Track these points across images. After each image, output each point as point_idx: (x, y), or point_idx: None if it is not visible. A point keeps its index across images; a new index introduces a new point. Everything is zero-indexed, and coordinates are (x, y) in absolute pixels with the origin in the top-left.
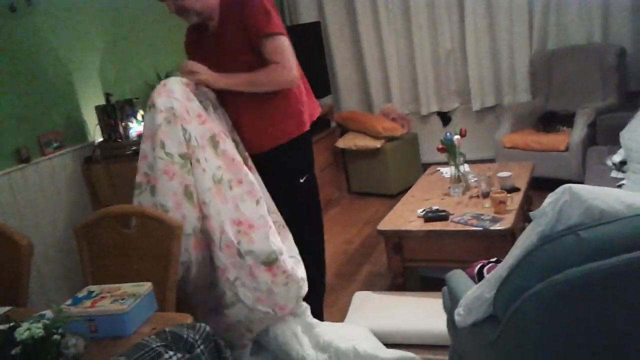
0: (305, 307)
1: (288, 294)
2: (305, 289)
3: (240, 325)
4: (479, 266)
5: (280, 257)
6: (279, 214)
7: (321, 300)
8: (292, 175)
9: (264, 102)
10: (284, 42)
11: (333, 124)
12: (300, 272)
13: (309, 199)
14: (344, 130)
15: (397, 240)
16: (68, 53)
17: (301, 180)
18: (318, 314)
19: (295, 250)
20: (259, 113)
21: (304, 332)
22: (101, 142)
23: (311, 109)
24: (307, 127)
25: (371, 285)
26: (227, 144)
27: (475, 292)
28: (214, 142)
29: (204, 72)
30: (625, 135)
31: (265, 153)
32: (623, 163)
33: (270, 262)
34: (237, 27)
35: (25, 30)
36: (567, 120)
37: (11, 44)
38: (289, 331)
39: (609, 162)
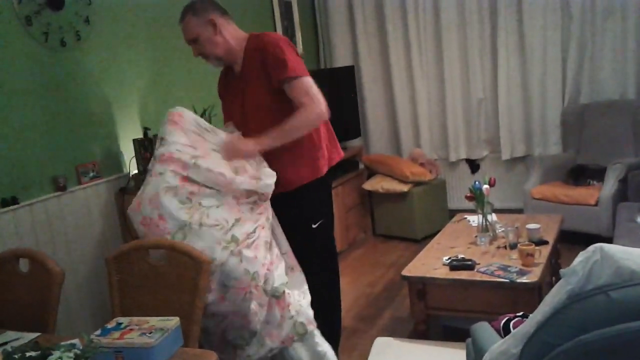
0: (312, 331)
1: (294, 325)
2: (310, 312)
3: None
4: (505, 320)
5: (286, 290)
6: (289, 254)
7: (336, 346)
8: (305, 220)
9: (279, 147)
10: (305, 82)
11: (361, 166)
12: (305, 301)
13: (322, 244)
14: (371, 173)
15: (421, 287)
16: (111, 87)
17: (314, 226)
18: None
19: (303, 286)
20: (274, 156)
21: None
22: (136, 174)
23: (331, 153)
24: (323, 173)
25: (393, 330)
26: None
27: (501, 347)
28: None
29: (244, 146)
30: None
31: (278, 196)
32: None
33: (279, 295)
34: (258, 71)
35: (73, 64)
36: (598, 174)
37: (58, 76)
38: (296, 357)
39: (639, 219)
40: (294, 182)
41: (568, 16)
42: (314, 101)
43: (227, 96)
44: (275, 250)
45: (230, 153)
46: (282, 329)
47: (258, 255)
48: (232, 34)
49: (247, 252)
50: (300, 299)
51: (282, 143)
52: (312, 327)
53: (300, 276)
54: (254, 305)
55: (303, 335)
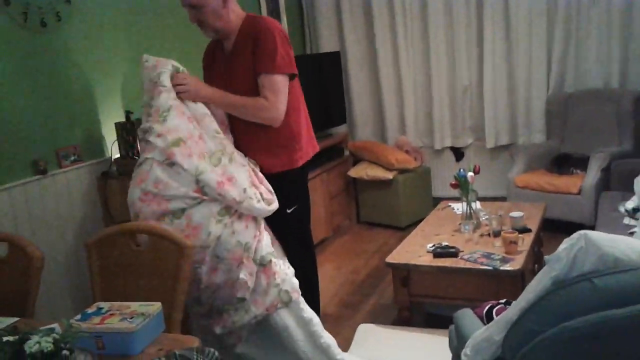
0: (297, 299)
1: (279, 293)
2: (295, 281)
3: (234, 327)
4: (488, 307)
5: (273, 259)
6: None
7: None
8: (279, 204)
9: (258, 131)
10: (280, 82)
11: (346, 153)
12: (290, 270)
13: (297, 229)
14: (356, 160)
15: (405, 274)
16: (92, 70)
17: (288, 211)
18: None
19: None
20: (251, 141)
21: (298, 325)
22: (118, 158)
23: (307, 147)
24: (298, 165)
25: (376, 317)
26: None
27: (484, 333)
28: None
29: (189, 83)
30: (639, 182)
31: None
32: (636, 210)
33: (266, 263)
34: (248, 53)
35: (53, 45)
36: (581, 163)
37: (38, 57)
38: (280, 323)
39: (622, 209)
40: (268, 168)
41: (554, 5)
42: (275, 105)
43: (211, 69)
44: (262, 221)
45: (177, 81)
46: (267, 296)
47: (249, 225)
48: (234, 10)
49: (238, 224)
50: (285, 269)
51: (221, 107)
52: (297, 296)
53: (280, 249)
54: (243, 275)
55: (288, 303)
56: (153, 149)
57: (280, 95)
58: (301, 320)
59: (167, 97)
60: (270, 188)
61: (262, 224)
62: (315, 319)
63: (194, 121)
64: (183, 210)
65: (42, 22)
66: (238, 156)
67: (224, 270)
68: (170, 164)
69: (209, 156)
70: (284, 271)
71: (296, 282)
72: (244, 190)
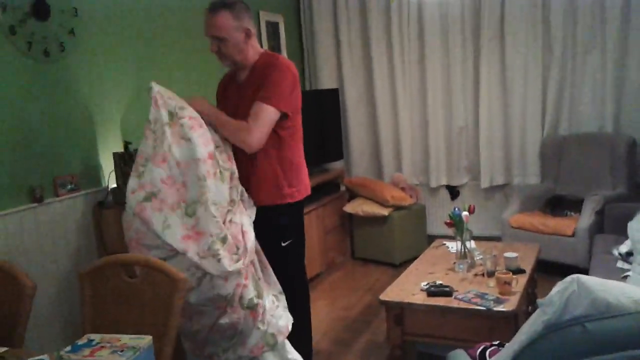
0: (282, 342)
1: (265, 336)
2: (281, 324)
3: None
4: (481, 348)
5: (260, 301)
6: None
7: None
8: (274, 237)
9: (261, 164)
10: (267, 112)
11: (342, 188)
12: (282, 304)
13: (292, 262)
14: (352, 195)
15: (398, 312)
16: (93, 99)
17: (283, 244)
18: None
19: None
20: (242, 173)
21: None
22: (114, 188)
23: (306, 183)
24: (285, 202)
25: (368, 355)
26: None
27: None
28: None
29: (199, 105)
30: (633, 227)
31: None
32: (629, 254)
33: (252, 307)
34: (258, 85)
35: (56, 74)
36: (575, 205)
37: (40, 87)
38: None
39: (615, 252)
40: (265, 201)
41: (549, 50)
42: (253, 130)
43: (224, 99)
44: (247, 269)
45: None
46: (251, 338)
47: (229, 278)
48: (253, 46)
49: (217, 278)
50: (274, 307)
51: (212, 121)
52: (282, 338)
53: (272, 274)
54: (227, 320)
55: (273, 346)
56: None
57: (261, 123)
58: None
59: (152, 142)
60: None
61: (247, 272)
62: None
63: (180, 165)
64: (164, 259)
65: (46, 51)
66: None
67: (209, 315)
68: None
69: (186, 205)
70: (272, 312)
71: (283, 323)
72: (209, 247)
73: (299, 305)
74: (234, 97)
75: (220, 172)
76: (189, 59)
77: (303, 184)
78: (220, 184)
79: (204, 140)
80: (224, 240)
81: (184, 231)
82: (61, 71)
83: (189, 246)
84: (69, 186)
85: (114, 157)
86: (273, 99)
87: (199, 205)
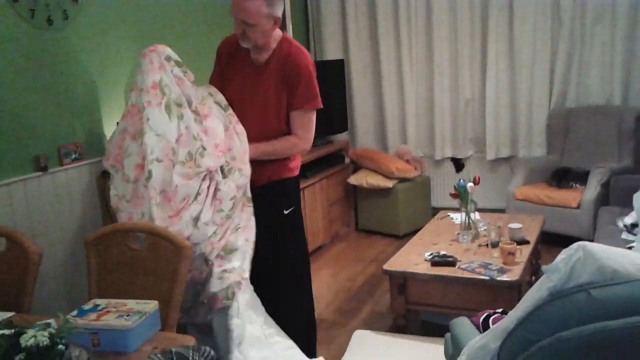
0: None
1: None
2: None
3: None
4: (484, 316)
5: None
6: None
7: (313, 335)
8: (278, 206)
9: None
10: (312, 118)
11: (347, 160)
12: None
13: (294, 229)
14: (357, 167)
15: (401, 282)
16: (96, 68)
17: (286, 212)
18: (310, 351)
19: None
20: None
21: None
22: None
23: (298, 161)
24: (294, 174)
25: (372, 324)
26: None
27: (479, 342)
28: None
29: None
30: (638, 198)
31: (254, 187)
32: (634, 226)
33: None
34: (281, 80)
35: (59, 43)
36: (581, 177)
37: (43, 55)
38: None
39: (620, 224)
40: (265, 177)
41: (558, 21)
42: (307, 138)
43: (230, 66)
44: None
45: None
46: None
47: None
48: (276, 32)
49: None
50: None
51: (264, 158)
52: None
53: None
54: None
55: (230, 301)
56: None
57: (311, 129)
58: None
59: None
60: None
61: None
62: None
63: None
64: None
65: (49, 19)
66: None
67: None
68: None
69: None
70: (236, 269)
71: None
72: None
73: (301, 273)
74: (247, 74)
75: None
76: (193, 26)
77: (299, 158)
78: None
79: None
80: None
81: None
82: (64, 39)
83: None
84: (74, 155)
85: (118, 126)
86: (312, 105)
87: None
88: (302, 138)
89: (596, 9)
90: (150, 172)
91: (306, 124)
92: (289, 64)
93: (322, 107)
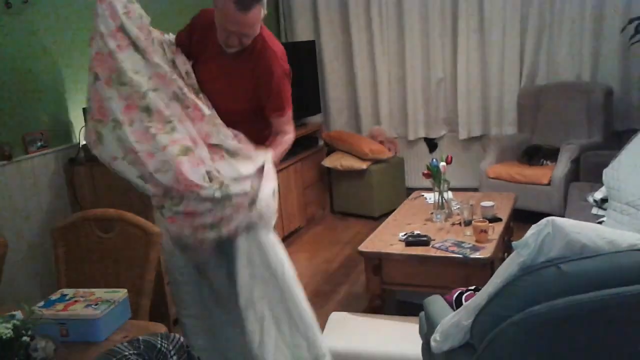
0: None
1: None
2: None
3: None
4: (457, 293)
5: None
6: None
7: None
8: None
9: (247, 132)
10: (289, 115)
11: (321, 143)
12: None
13: None
14: (331, 150)
15: (377, 262)
16: (60, 53)
17: None
18: None
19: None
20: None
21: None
22: (85, 144)
23: None
24: None
25: (348, 306)
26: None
27: (452, 319)
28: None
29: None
30: (607, 174)
31: None
32: (604, 201)
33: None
34: (252, 73)
35: (19, 27)
36: (552, 155)
37: (3, 40)
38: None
39: (590, 199)
40: None
41: None
42: (291, 131)
43: (200, 46)
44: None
45: None
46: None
47: None
48: None
49: None
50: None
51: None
52: None
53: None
54: None
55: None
56: None
57: (291, 121)
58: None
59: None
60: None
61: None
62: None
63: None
64: None
65: (7, 2)
66: None
67: None
68: None
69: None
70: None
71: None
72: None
73: None
74: (220, 61)
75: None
76: (162, 10)
77: None
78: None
79: None
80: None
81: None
82: (25, 23)
83: None
84: (39, 143)
85: (84, 113)
86: (287, 108)
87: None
88: (290, 131)
89: None
90: (148, 106)
91: (288, 119)
92: (261, 66)
93: (291, 108)
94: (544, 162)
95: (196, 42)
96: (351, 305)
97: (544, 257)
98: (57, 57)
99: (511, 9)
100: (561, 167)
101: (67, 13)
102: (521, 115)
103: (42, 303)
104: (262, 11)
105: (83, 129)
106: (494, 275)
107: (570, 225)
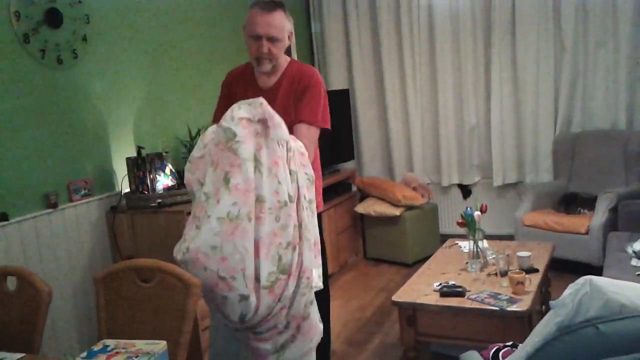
0: None
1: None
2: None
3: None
4: (494, 349)
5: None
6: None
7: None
8: None
9: None
10: (316, 134)
11: (354, 188)
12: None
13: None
14: (364, 195)
15: (411, 313)
16: (106, 105)
17: None
18: None
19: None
20: None
21: None
22: (128, 192)
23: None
24: (321, 208)
25: (382, 356)
26: (239, 178)
27: None
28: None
29: None
30: None
31: None
32: None
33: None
34: (293, 94)
35: (69, 81)
36: (588, 203)
37: (54, 93)
38: None
39: (630, 250)
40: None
41: (561, 47)
42: (309, 150)
43: (238, 98)
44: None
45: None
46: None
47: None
48: (283, 57)
49: None
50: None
51: None
52: None
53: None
54: None
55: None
56: None
57: (313, 145)
58: None
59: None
60: None
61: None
62: None
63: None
64: None
65: (59, 59)
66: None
67: None
68: None
69: None
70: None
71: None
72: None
73: (320, 307)
74: (267, 99)
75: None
76: (199, 63)
77: (320, 195)
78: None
79: None
80: None
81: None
82: (74, 78)
83: None
84: (83, 191)
85: (127, 162)
86: (318, 120)
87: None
88: (307, 150)
89: (598, 33)
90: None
91: (311, 137)
92: (302, 79)
93: (329, 128)
94: (581, 210)
95: (233, 98)
96: (385, 356)
97: (581, 317)
98: (103, 109)
99: (545, 57)
100: (599, 215)
101: (113, 69)
102: (557, 162)
103: (84, 354)
104: (286, 19)
105: (125, 177)
106: (531, 334)
107: (609, 285)
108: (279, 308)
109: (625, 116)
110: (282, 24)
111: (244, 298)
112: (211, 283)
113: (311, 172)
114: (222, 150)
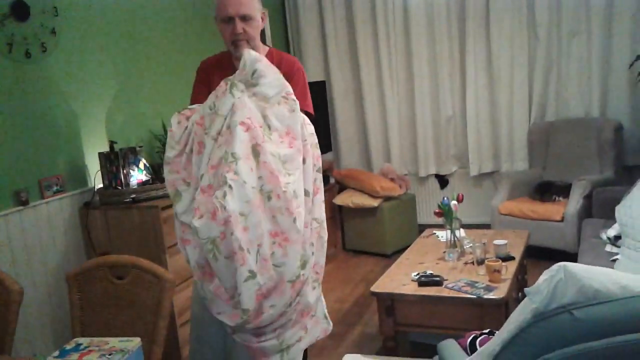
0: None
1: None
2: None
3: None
4: (471, 337)
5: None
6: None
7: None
8: None
9: None
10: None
11: (332, 180)
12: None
13: None
14: (342, 187)
15: (389, 303)
16: (76, 100)
17: None
18: None
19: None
20: None
21: None
22: (101, 188)
23: None
24: None
25: (362, 347)
26: (268, 155)
27: None
28: (256, 152)
29: None
30: (620, 210)
31: None
32: (617, 238)
33: (294, 279)
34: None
35: (37, 76)
36: (563, 190)
37: (22, 88)
38: None
39: (604, 236)
40: None
41: (535, 36)
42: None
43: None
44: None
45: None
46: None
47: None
48: (262, 46)
49: None
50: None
51: None
52: None
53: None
54: None
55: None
56: None
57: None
58: None
59: None
60: None
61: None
62: None
63: None
64: None
65: (27, 52)
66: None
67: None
68: None
69: None
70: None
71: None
72: None
73: None
74: None
75: None
76: (171, 56)
77: None
78: None
79: None
80: None
81: None
82: (44, 71)
83: None
84: (55, 188)
85: (99, 157)
86: (309, 104)
87: None
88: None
89: (571, 23)
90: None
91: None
92: (283, 65)
93: (313, 114)
94: (556, 198)
95: (212, 82)
96: (364, 347)
97: (556, 303)
98: (73, 103)
99: (519, 47)
100: (573, 203)
101: (83, 62)
102: (532, 151)
103: (56, 353)
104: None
105: (98, 173)
106: (507, 321)
107: (583, 271)
108: (295, 303)
109: (598, 104)
110: (252, 1)
111: (252, 276)
112: (234, 248)
113: (319, 163)
114: (253, 128)
